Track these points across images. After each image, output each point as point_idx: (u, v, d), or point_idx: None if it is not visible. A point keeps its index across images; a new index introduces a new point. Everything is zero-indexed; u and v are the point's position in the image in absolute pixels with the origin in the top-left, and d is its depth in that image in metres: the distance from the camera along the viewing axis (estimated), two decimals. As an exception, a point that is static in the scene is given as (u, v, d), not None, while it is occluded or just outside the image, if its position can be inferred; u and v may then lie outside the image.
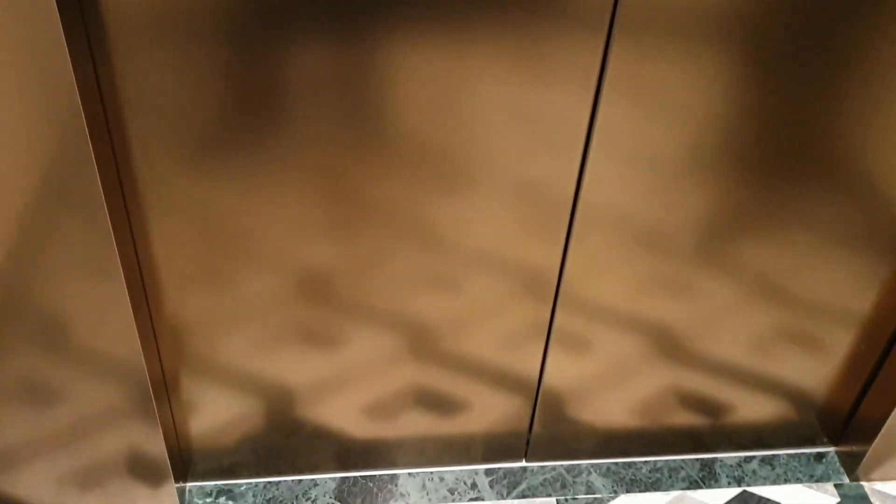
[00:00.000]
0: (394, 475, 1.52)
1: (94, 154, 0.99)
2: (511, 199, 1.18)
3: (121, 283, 1.10)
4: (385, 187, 1.14)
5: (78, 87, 0.94)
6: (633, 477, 1.54)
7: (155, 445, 1.30)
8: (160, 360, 1.29)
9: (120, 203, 1.10)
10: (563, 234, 1.23)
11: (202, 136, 1.06)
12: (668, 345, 1.40)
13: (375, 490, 1.49)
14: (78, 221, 1.04)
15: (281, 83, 1.02)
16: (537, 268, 1.26)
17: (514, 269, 1.26)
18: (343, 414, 1.43)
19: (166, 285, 1.21)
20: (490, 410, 1.46)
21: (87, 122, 0.96)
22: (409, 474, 1.53)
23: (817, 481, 1.55)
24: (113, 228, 1.06)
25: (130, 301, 1.13)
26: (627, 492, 1.51)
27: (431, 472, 1.53)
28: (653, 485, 1.53)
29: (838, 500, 1.52)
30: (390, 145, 1.10)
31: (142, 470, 1.34)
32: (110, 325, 1.15)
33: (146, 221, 1.13)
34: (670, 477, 1.55)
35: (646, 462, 1.57)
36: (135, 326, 1.15)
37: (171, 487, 1.36)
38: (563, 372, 1.41)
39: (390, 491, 1.49)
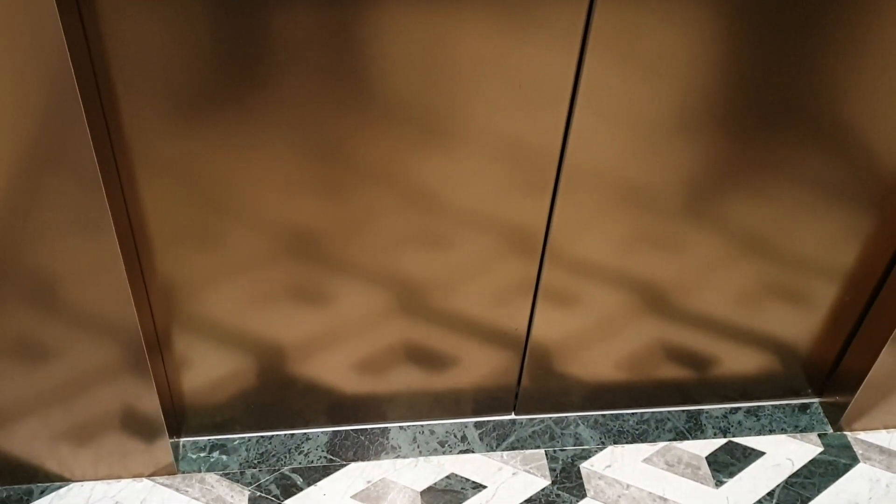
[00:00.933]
0: (385, 428, 1.55)
1: (85, 113, 0.99)
2: (498, 157, 1.18)
3: (113, 241, 1.11)
4: (372, 146, 1.14)
5: (68, 47, 0.93)
6: (621, 428, 1.57)
7: (149, 401, 1.32)
8: (153, 318, 1.30)
9: (111, 162, 1.10)
10: (550, 192, 1.24)
11: (191, 95, 1.06)
12: (655, 300, 1.42)
13: (367, 443, 1.52)
14: (70, 180, 1.05)
15: (267, 42, 1.02)
16: (524, 225, 1.27)
17: (501, 226, 1.27)
18: (334, 369, 1.45)
19: (158, 243, 1.21)
20: (479, 365, 1.48)
21: (77, 82, 0.96)
22: (400, 427, 1.55)
23: (801, 431, 1.58)
24: (104, 187, 1.06)
25: (122, 259, 1.14)
26: (615, 443, 1.54)
27: (422, 426, 1.55)
28: (640, 436, 1.56)
29: (822, 449, 1.55)
30: (377, 104, 1.10)
31: (136, 425, 1.36)
32: (103, 283, 1.15)
33: (136, 180, 1.13)
34: (657, 428, 1.57)
35: (633, 414, 1.60)
36: (128, 284, 1.16)
37: (166, 442, 1.38)
38: (551, 327, 1.43)
39: (381, 444, 1.52)
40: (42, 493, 1.40)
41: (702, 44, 1.09)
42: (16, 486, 1.40)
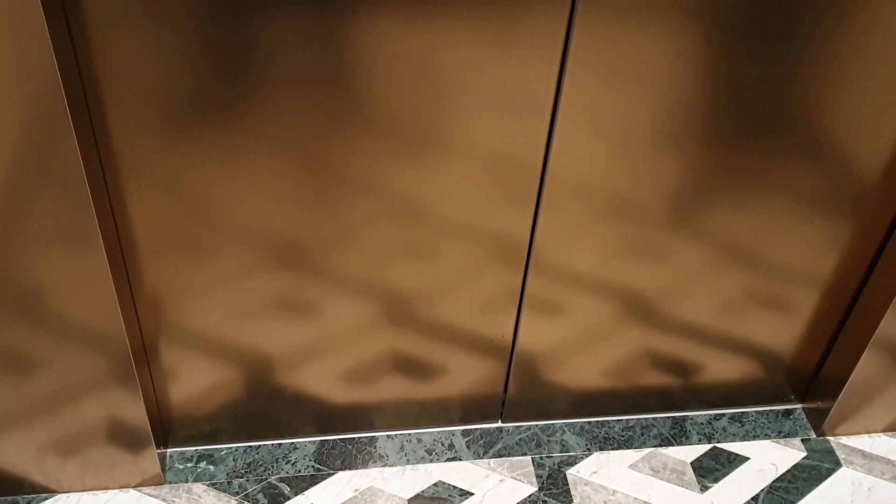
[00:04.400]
0: (372, 437, 1.55)
1: (73, 125, 0.99)
2: (482, 168, 1.19)
3: (101, 253, 1.11)
4: (357, 157, 1.15)
5: (56, 60, 0.94)
6: (607, 435, 1.58)
7: (136, 412, 1.32)
8: (140, 329, 1.30)
9: (99, 174, 1.10)
10: (533, 202, 1.25)
11: (177, 108, 1.06)
12: (639, 308, 1.43)
13: (355, 452, 1.52)
14: (58, 192, 1.05)
15: (254, 54, 1.03)
16: (508, 235, 1.28)
17: (485, 236, 1.28)
18: (322, 379, 1.46)
19: (145, 255, 1.21)
20: (466, 374, 1.49)
21: (65, 95, 0.97)
22: (388, 436, 1.55)
23: (785, 437, 1.60)
24: (92, 199, 1.06)
25: (110, 271, 1.14)
26: (601, 449, 1.55)
27: (409, 434, 1.56)
28: (625, 442, 1.57)
29: (805, 454, 1.57)
30: (362, 115, 1.11)
31: (123, 436, 1.36)
32: (91, 295, 1.16)
33: (124, 192, 1.14)
34: (642, 435, 1.59)
35: (618, 420, 1.61)
36: (115, 296, 1.16)
37: (153, 453, 1.38)
38: (536, 336, 1.44)
39: (369, 453, 1.52)
40: (28, 505, 1.40)
41: (682, 55, 1.11)
42: (1, 499, 1.40)
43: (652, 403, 1.61)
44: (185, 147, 1.10)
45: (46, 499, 1.40)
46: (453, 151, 1.17)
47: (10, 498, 1.40)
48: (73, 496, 1.41)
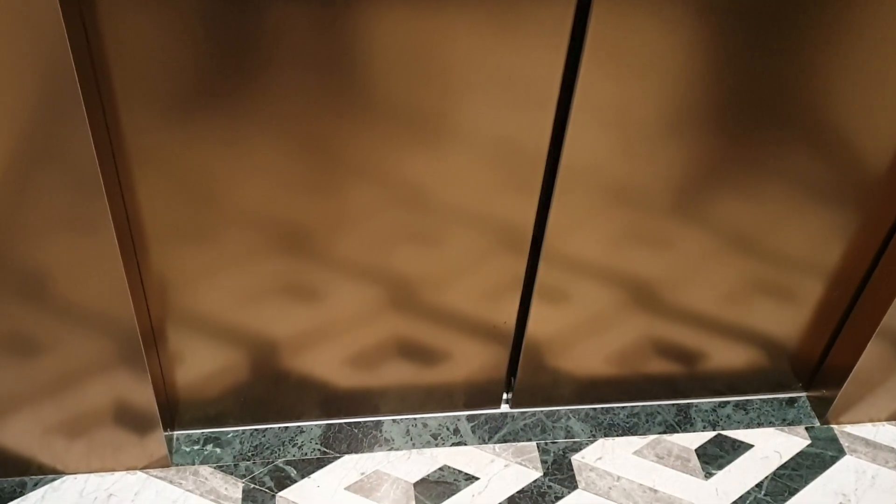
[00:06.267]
0: (378, 421, 1.56)
1: (84, 107, 0.99)
2: (486, 155, 1.19)
3: (111, 236, 1.11)
4: (362, 142, 1.15)
5: (69, 43, 0.94)
6: (611, 421, 1.59)
7: (144, 395, 1.32)
8: (148, 312, 1.30)
9: (109, 156, 1.10)
10: (538, 189, 1.25)
11: (185, 92, 1.06)
12: (646, 296, 1.44)
13: (360, 436, 1.53)
14: (69, 176, 1.05)
15: (259, 39, 1.02)
16: (512, 221, 1.28)
17: (489, 223, 1.28)
18: (327, 363, 1.46)
19: (153, 239, 1.21)
20: (471, 359, 1.49)
21: (77, 78, 0.97)
22: (393, 421, 1.56)
23: (789, 425, 1.61)
24: (103, 181, 1.06)
25: (120, 253, 1.14)
26: (606, 436, 1.56)
27: (415, 419, 1.56)
28: (630, 429, 1.58)
29: (809, 442, 1.57)
30: (367, 101, 1.10)
31: (130, 419, 1.36)
32: (101, 278, 1.16)
33: (133, 175, 1.14)
34: (647, 421, 1.59)
35: (623, 407, 1.62)
36: (125, 279, 1.16)
37: (160, 435, 1.39)
38: (543, 323, 1.44)
39: (375, 437, 1.53)
40: (35, 486, 1.40)
41: (694, 44, 1.11)
42: (9, 479, 1.40)
43: (657, 391, 1.62)
44: (191, 130, 1.10)
45: (54, 480, 1.41)
46: (457, 137, 1.16)
47: (17, 478, 1.40)
48: (80, 477, 1.42)
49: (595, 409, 1.61)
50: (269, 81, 1.06)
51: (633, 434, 1.57)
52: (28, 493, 1.39)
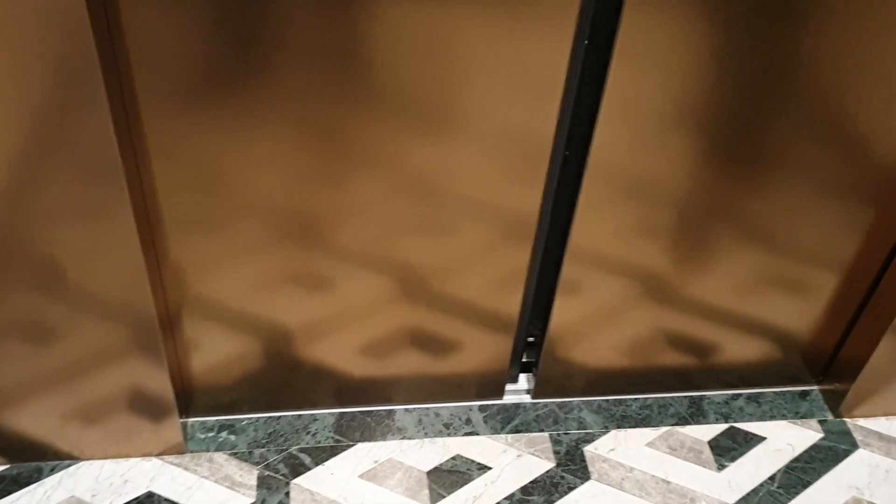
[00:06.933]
0: (391, 410, 1.56)
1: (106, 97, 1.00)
2: (493, 146, 1.19)
3: (130, 223, 1.12)
4: (371, 133, 1.15)
5: (92, 31, 0.94)
6: (624, 413, 1.59)
7: (160, 382, 1.33)
8: (165, 299, 1.30)
9: (128, 143, 1.10)
10: (543, 180, 1.25)
11: (198, 82, 1.07)
12: (659, 288, 1.44)
13: (373, 424, 1.53)
14: (89, 162, 1.06)
15: (269, 28, 1.03)
16: (518, 212, 1.29)
17: (496, 213, 1.28)
18: (339, 352, 1.46)
19: (168, 227, 1.22)
20: (479, 350, 1.49)
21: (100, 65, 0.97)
22: (406, 410, 1.56)
23: (802, 418, 1.61)
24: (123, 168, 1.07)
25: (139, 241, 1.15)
26: (618, 427, 1.56)
27: (427, 408, 1.57)
28: (643, 421, 1.58)
29: (822, 435, 1.57)
30: (375, 91, 1.11)
31: (146, 405, 1.37)
32: (119, 264, 1.16)
33: (149, 164, 1.14)
34: (660, 413, 1.59)
35: (636, 399, 1.62)
36: (144, 266, 1.17)
37: (175, 422, 1.40)
38: (564, 315, 1.44)
39: (388, 425, 1.53)
40: (52, 471, 1.41)
41: (715, 40, 1.11)
42: (26, 464, 1.41)
43: (669, 383, 1.62)
44: (204, 119, 1.11)
45: (70, 465, 1.42)
46: (465, 128, 1.17)
47: (34, 464, 1.41)
48: (96, 463, 1.42)
49: (607, 400, 1.61)
50: (279, 71, 1.07)
51: (645, 426, 1.57)
52: (45, 478, 1.40)
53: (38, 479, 1.39)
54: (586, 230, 1.31)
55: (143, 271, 1.18)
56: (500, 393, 1.58)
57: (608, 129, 1.19)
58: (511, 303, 1.42)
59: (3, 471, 1.40)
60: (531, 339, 1.56)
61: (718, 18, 1.09)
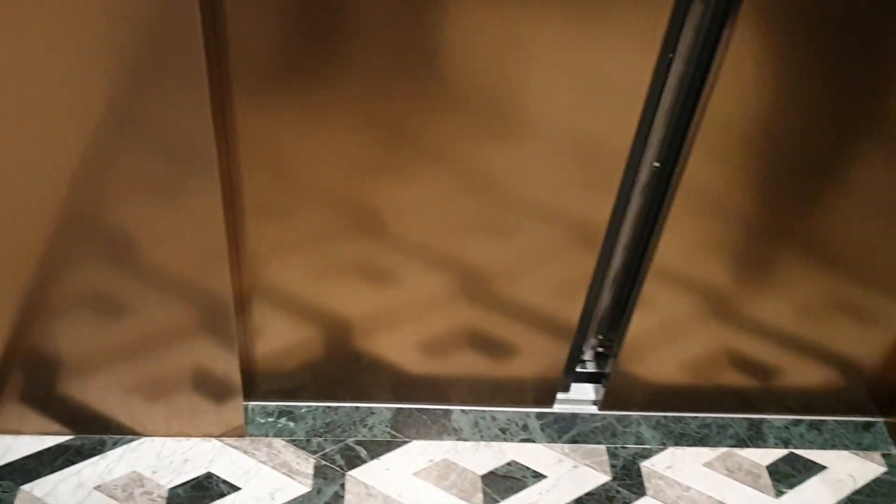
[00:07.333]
0: (447, 410, 1.56)
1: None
2: (565, 151, 1.18)
3: (217, 207, 1.13)
4: (441, 129, 1.15)
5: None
6: (682, 431, 1.57)
7: (228, 364, 1.34)
8: (240, 283, 1.31)
9: (221, 128, 1.11)
10: (616, 188, 1.24)
11: (282, 71, 1.07)
12: (728, 308, 1.41)
13: (429, 423, 1.53)
14: (184, 145, 1.07)
15: (347, 24, 1.03)
16: (586, 219, 1.27)
17: (564, 218, 1.27)
18: (398, 347, 1.46)
19: (247, 211, 1.23)
20: (538, 356, 1.48)
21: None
22: (462, 411, 1.56)
23: (865, 450, 1.57)
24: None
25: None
26: (676, 445, 1.54)
27: (483, 411, 1.56)
28: (701, 440, 1.56)
29: (886, 469, 1.54)
30: (448, 88, 1.10)
31: (211, 386, 1.38)
32: (203, 246, 1.17)
33: (237, 148, 1.15)
34: (718, 434, 1.57)
35: (695, 417, 1.60)
36: (226, 248, 1.18)
37: (239, 404, 1.40)
38: (639, 331, 1.43)
39: (443, 425, 1.53)
40: (115, 445, 1.42)
41: (811, 67, 1.10)
42: (90, 436, 1.43)
43: (729, 403, 1.60)
44: (284, 106, 1.11)
45: (132, 440, 1.43)
46: (537, 130, 1.16)
47: (97, 436, 1.43)
48: (158, 440, 1.44)
49: (666, 416, 1.59)
50: (356, 65, 1.07)
51: (703, 445, 1.55)
52: (107, 451, 1.41)
53: (100, 452, 1.41)
54: (672, 245, 1.30)
55: (224, 254, 1.18)
56: (550, 401, 1.57)
57: (705, 145, 1.17)
58: (571, 310, 1.41)
59: (67, 441, 1.42)
60: (600, 350, 1.55)
61: (821, 44, 1.07)
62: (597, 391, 1.60)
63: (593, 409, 1.58)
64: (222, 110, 1.10)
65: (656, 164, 1.25)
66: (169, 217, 1.15)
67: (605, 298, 1.46)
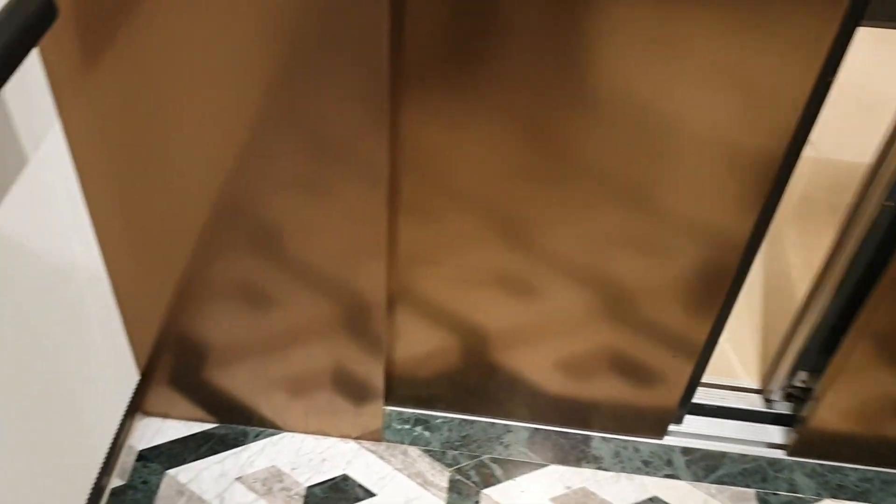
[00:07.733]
0: (587, 436, 1.50)
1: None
2: (714, 164, 1.11)
3: (382, 206, 1.12)
4: (589, 138, 1.10)
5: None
6: (840, 483, 1.46)
7: (373, 367, 1.33)
8: (389, 287, 1.30)
9: (395, 139, 1.11)
10: (760, 206, 1.15)
11: (443, 73, 1.05)
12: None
13: (568, 447, 1.48)
14: (355, 144, 1.06)
15: (500, 29, 1.00)
16: (728, 238, 1.19)
17: (709, 235, 1.19)
18: (537, 364, 1.42)
19: (403, 213, 1.21)
20: (669, 384, 1.40)
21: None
22: (603, 438, 1.50)
23: None
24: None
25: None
26: (833, 497, 1.43)
27: (625, 441, 1.50)
28: (861, 494, 1.44)
29: None
30: (597, 97, 1.05)
31: (353, 387, 1.37)
32: (361, 245, 1.17)
33: (401, 150, 1.14)
34: (882, 490, 1.45)
35: (855, 469, 1.48)
36: (385, 249, 1.16)
37: (379, 408, 1.39)
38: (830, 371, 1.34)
39: (582, 451, 1.47)
40: (256, 437, 1.44)
41: None
42: (234, 427, 1.45)
43: (895, 457, 1.47)
44: (442, 108, 1.09)
45: (273, 434, 1.45)
46: (689, 145, 1.09)
47: (240, 427, 1.45)
48: (298, 437, 1.44)
49: (822, 465, 1.48)
50: (511, 71, 1.04)
51: (863, 500, 1.43)
52: (249, 442, 1.43)
53: (243, 443, 1.43)
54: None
55: (382, 254, 1.17)
56: (661, 432, 1.49)
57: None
58: (699, 335, 1.33)
59: (212, 429, 1.45)
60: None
61: None
62: (786, 434, 1.50)
63: (741, 448, 1.49)
64: (391, 109, 1.09)
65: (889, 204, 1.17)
66: (328, 213, 1.14)
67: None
